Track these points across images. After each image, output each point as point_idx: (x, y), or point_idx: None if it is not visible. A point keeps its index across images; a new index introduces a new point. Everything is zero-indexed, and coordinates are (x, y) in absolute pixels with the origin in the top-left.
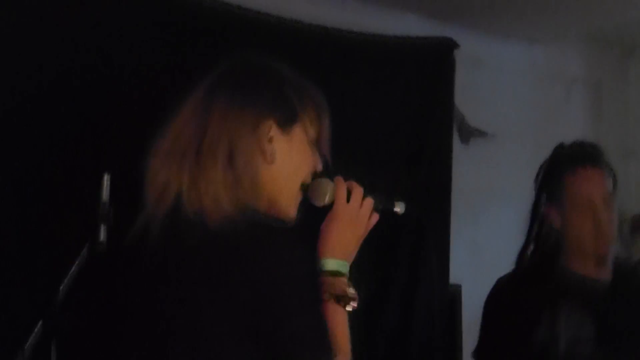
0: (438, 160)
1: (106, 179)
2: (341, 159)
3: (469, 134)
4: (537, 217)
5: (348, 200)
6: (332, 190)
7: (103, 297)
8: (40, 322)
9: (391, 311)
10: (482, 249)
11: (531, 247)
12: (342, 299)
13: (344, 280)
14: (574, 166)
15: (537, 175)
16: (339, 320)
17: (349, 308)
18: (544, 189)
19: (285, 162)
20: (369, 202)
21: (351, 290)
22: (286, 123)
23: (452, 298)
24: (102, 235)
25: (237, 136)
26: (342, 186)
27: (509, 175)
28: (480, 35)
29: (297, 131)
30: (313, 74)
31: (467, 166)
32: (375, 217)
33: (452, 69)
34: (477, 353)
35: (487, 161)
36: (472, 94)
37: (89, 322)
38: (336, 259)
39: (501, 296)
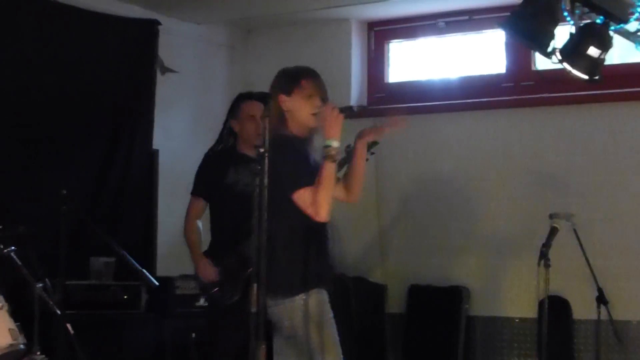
0: (147, 87)
1: None
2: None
3: (165, 69)
4: (226, 124)
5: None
6: (323, 111)
7: None
8: None
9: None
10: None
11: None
12: (330, 157)
13: (332, 148)
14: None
15: (231, 106)
16: (328, 168)
17: (334, 160)
18: (231, 111)
19: (295, 108)
20: (336, 109)
21: (334, 152)
22: (289, 93)
23: (152, 158)
24: None
25: (273, 104)
26: (324, 108)
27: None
28: (171, 18)
29: (296, 94)
30: (40, 40)
31: (164, 90)
32: (341, 116)
33: (157, 37)
34: (194, 192)
35: (177, 85)
36: (168, 50)
37: None
38: (328, 138)
39: (208, 160)
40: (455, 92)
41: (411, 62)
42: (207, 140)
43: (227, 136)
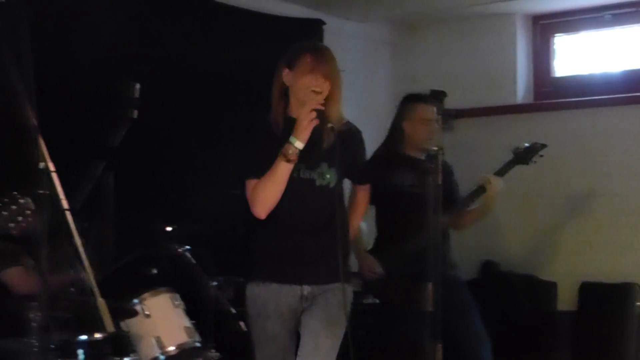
0: None
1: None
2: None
3: None
4: (396, 125)
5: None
6: (311, 96)
7: None
8: None
9: None
10: None
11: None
12: (285, 156)
13: (291, 147)
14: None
15: (402, 107)
16: (279, 166)
17: (288, 160)
18: (401, 112)
19: (292, 83)
20: (314, 113)
21: (291, 152)
22: (290, 66)
23: None
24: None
25: (276, 77)
26: (313, 95)
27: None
28: (335, 17)
29: (297, 68)
30: (215, 41)
31: None
32: (315, 121)
33: (321, 36)
34: None
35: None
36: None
37: None
38: (294, 136)
39: (376, 161)
40: (622, 85)
41: (576, 55)
42: (371, 138)
43: (396, 137)
